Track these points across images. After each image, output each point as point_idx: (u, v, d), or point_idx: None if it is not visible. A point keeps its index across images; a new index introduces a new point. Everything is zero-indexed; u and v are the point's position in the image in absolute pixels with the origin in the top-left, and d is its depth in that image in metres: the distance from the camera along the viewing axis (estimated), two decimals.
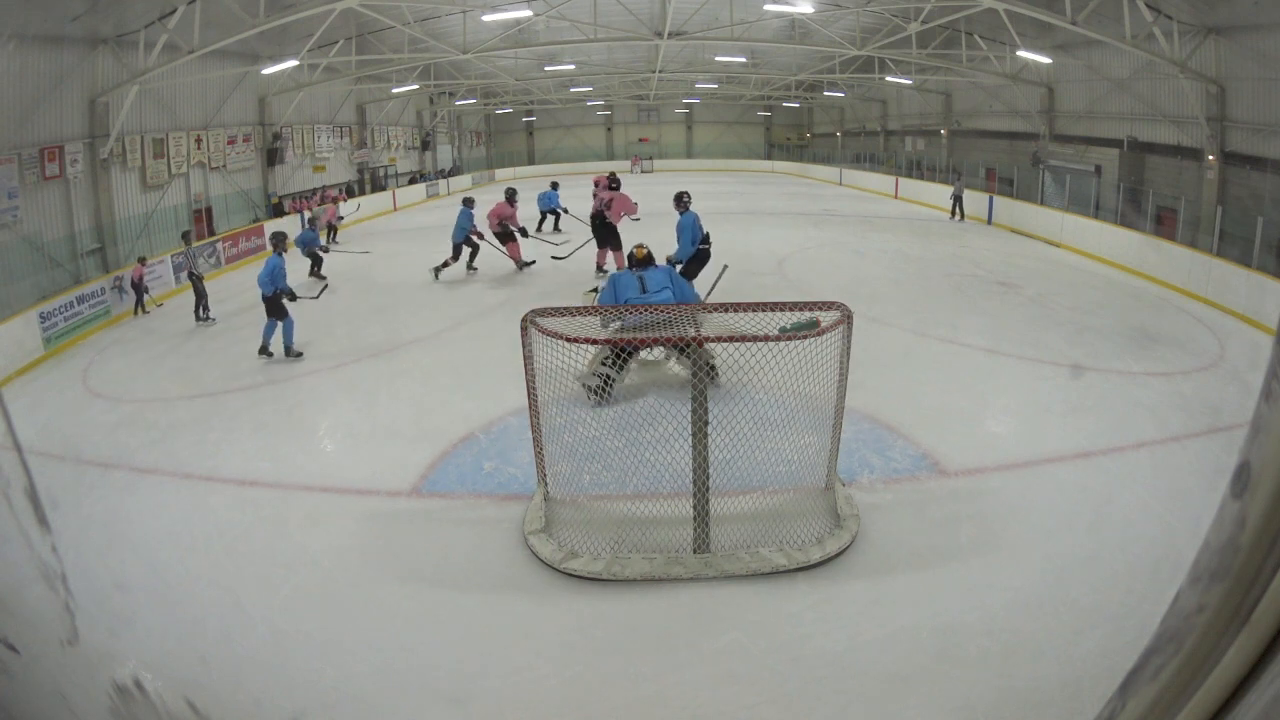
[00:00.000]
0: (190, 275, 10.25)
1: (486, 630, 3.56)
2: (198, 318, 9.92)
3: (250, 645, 3.48)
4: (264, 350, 8.04)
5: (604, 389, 5.66)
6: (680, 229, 8.09)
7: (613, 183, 11.16)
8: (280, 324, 7.97)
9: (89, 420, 6.68)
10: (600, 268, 10.75)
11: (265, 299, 7.90)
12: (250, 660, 3.38)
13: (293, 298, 8.04)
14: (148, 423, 6.45)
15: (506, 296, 10.10)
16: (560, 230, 14.96)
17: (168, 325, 10.16)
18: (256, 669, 3.32)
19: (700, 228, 8.06)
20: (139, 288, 11.15)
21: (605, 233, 10.59)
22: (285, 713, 3.08)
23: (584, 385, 5.61)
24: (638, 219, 11.12)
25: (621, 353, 5.29)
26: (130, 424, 6.46)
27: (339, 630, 3.58)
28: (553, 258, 11.90)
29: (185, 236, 10.69)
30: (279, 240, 8.24)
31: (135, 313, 11.04)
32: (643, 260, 6.46)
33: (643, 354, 6.28)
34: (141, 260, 11.50)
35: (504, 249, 11.42)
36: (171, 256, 12.08)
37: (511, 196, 11.46)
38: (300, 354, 8.01)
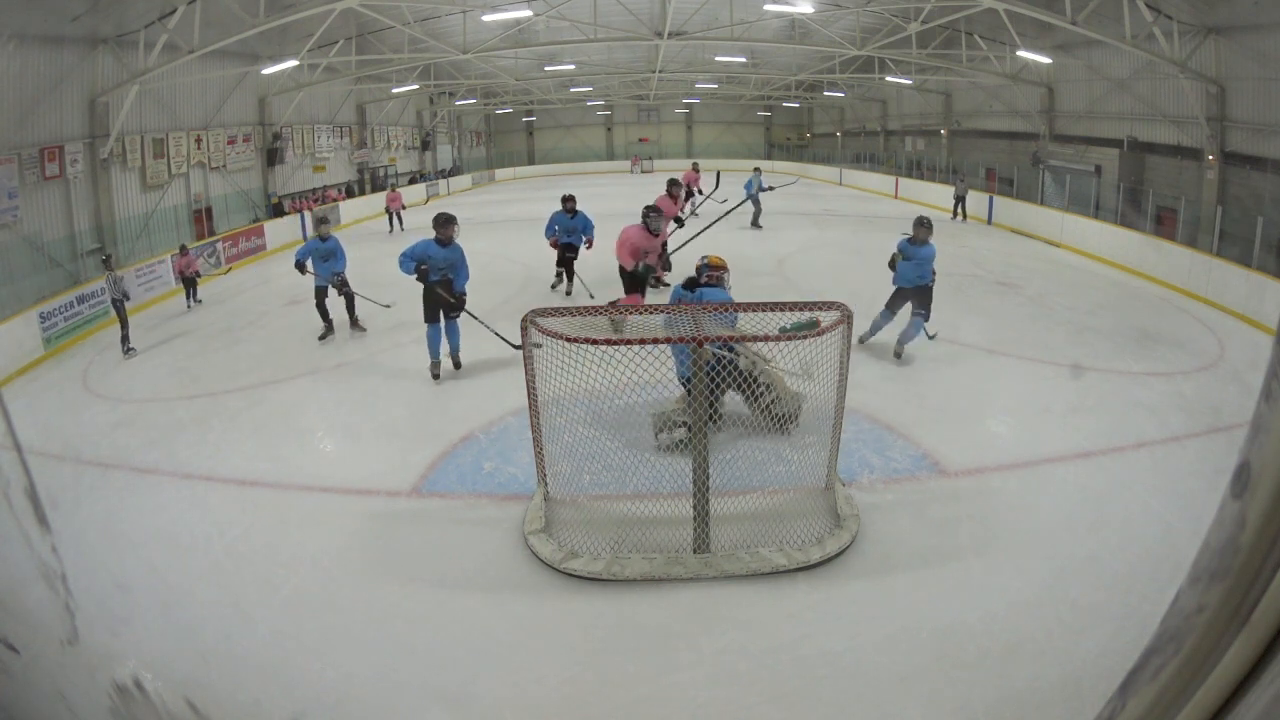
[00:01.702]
0: (114, 303, 9.03)
1: (486, 630, 3.56)
2: (124, 350, 8.76)
3: (250, 645, 3.48)
4: (445, 364, 7.08)
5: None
6: (922, 261, 6.94)
7: (670, 185, 9.75)
8: (430, 328, 6.90)
9: (89, 420, 6.68)
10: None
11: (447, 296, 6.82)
12: (250, 660, 3.37)
13: (456, 297, 6.85)
14: (148, 423, 6.45)
15: (506, 296, 10.09)
16: (759, 226, 15.50)
17: (168, 325, 10.16)
18: (256, 669, 3.31)
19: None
20: (188, 279, 10.96)
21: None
22: (285, 713, 3.08)
23: (661, 436, 5.23)
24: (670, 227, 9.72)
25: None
26: (130, 424, 6.46)
27: (339, 630, 3.58)
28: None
29: (106, 261, 9.38)
30: (445, 222, 6.82)
31: (189, 305, 10.95)
32: (713, 268, 5.32)
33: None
34: (183, 249, 11.24)
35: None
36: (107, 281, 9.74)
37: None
38: (456, 365, 7.10)
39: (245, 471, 5.34)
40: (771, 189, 15.95)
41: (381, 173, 24.89)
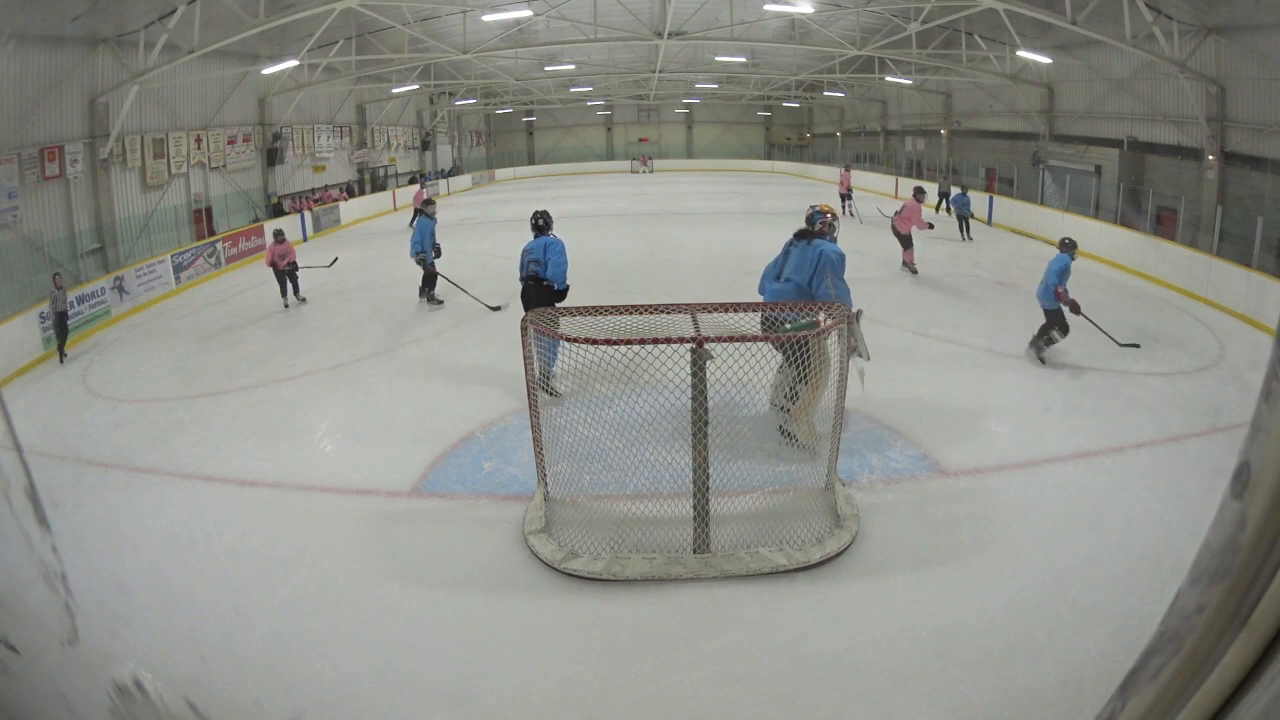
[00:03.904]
0: (56, 318, 8.91)
1: (486, 630, 3.56)
2: (61, 359, 8.81)
3: (250, 645, 3.48)
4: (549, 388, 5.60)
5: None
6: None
7: (916, 193, 12.02)
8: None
9: (89, 420, 6.68)
10: (906, 264, 11.49)
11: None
12: (250, 660, 3.37)
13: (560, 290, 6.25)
14: (148, 423, 6.45)
15: (506, 297, 10.09)
16: (969, 238, 14.98)
17: (167, 325, 10.17)
18: (256, 669, 3.32)
19: None
20: (288, 274, 10.19)
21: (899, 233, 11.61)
22: (285, 713, 3.08)
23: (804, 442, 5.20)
24: (930, 226, 11.91)
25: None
26: (130, 424, 6.46)
27: (339, 630, 3.58)
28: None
29: (55, 278, 9.16)
30: (543, 222, 6.45)
31: (289, 302, 10.26)
32: (824, 215, 5.33)
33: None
34: (279, 237, 10.31)
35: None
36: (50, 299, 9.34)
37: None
38: (552, 392, 5.57)
39: (245, 471, 5.34)
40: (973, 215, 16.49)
41: (381, 173, 24.88)
